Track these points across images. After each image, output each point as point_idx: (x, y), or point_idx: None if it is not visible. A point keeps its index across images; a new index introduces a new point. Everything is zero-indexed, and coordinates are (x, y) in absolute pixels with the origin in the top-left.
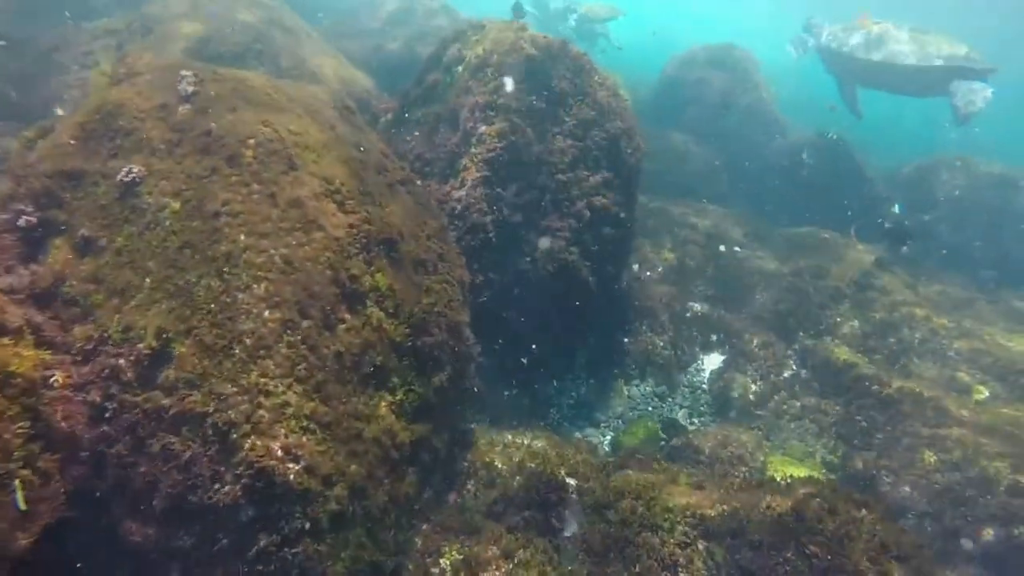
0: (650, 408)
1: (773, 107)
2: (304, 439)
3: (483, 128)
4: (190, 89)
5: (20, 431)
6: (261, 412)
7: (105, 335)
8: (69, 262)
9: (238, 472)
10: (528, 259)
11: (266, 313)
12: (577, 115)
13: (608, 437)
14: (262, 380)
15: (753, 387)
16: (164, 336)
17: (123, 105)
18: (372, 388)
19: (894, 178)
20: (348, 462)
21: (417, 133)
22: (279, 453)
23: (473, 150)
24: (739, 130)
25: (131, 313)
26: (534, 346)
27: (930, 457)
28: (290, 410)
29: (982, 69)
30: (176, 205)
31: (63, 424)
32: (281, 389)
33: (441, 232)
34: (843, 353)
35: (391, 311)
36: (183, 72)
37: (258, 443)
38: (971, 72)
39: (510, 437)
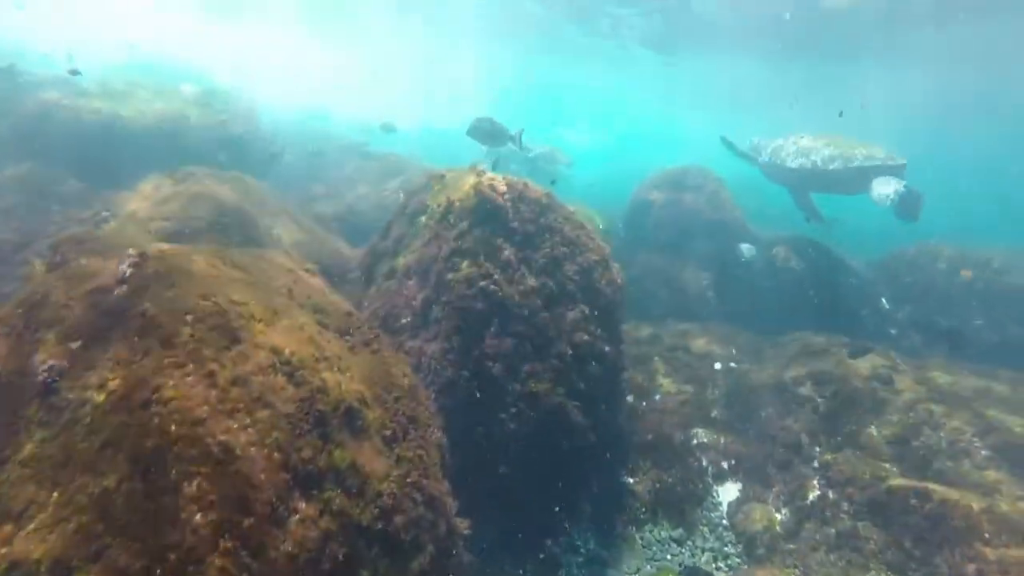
0: (669, 556)
1: (742, 220)
2: None
3: (450, 275)
4: (127, 270)
5: None
6: None
7: None
8: None
9: None
10: (513, 409)
11: (197, 517)
12: (546, 253)
13: None
14: None
15: (778, 516)
16: (64, 568)
17: (49, 294)
18: None
19: (874, 270)
20: None
21: (386, 287)
22: None
23: (443, 298)
24: (714, 246)
25: (25, 542)
26: (531, 504)
27: None
28: None
29: (896, 165)
30: (99, 398)
31: None
32: None
33: (412, 392)
34: (868, 465)
35: (355, 491)
36: (125, 252)
37: None
38: (887, 169)
39: None
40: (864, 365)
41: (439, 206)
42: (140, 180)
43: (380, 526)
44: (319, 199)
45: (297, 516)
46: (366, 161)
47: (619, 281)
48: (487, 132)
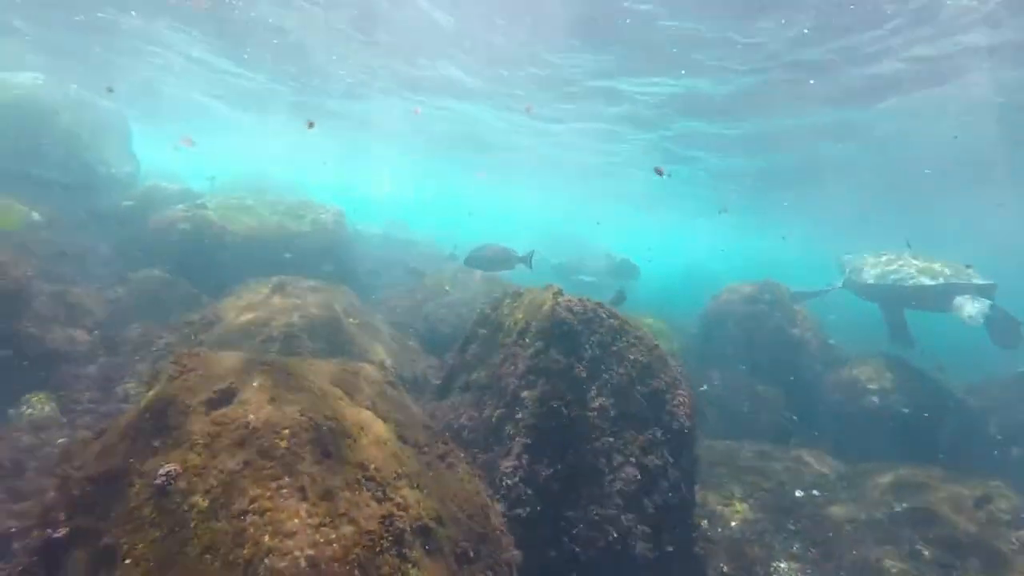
0: None
1: (822, 336)
2: None
3: (525, 393)
4: (234, 383)
5: None
6: None
7: None
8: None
9: None
10: (574, 531)
11: None
12: (617, 373)
13: None
14: None
15: None
16: None
17: (172, 402)
18: None
19: (975, 397)
20: None
21: (461, 399)
22: None
23: (517, 415)
24: (794, 362)
25: None
26: None
27: None
28: None
29: (985, 285)
30: (204, 503)
31: None
32: None
33: (484, 510)
34: None
35: None
36: (227, 363)
37: None
38: (973, 288)
39: None
40: (973, 500)
41: (515, 323)
42: (244, 286)
43: None
44: (401, 309)
45: None
46: (453, 273)
47: (691, 404)
48: (490, 259)
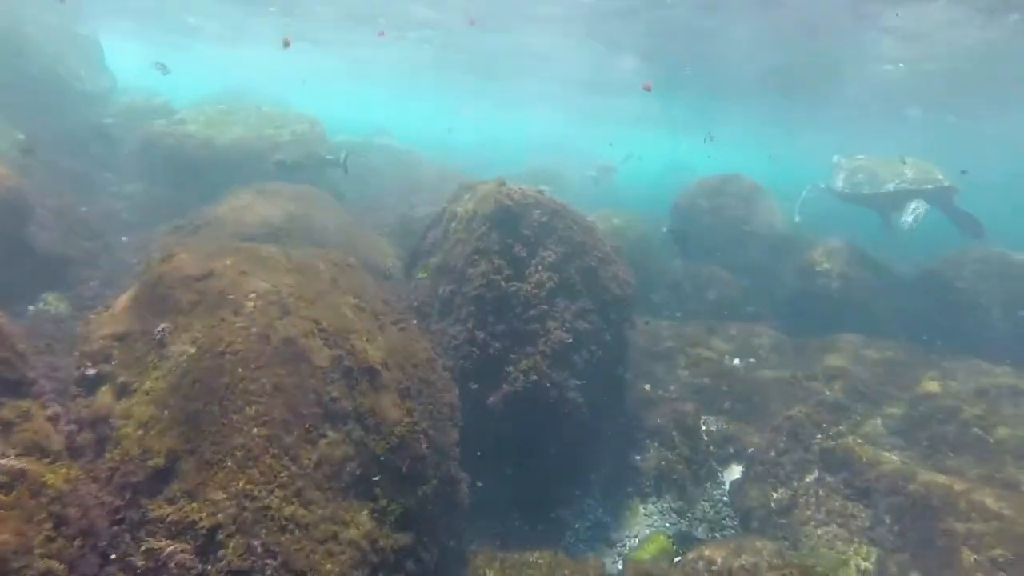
0: (668, 524)
1: (783, 225)
2: (282, 538)
3: (471, 270)
4: (212, 264)
5: (44, 532)
6: (245, 514)
7: (128, 457)
8: (109, 404)
9: (220, 567)
10: (509, 382)
11: (255, 430)
12: (554, 252)
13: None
14: (248, 487)
15: (775, 495)
16: (173, 455)
17: (162, 279)
18: (354, 497)
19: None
20: (324, 561)
21: (420, 282)
22: (259, 550)
23: (464, 289)
24: (758, 252)
25: (151, 440)
26: (544, 475)
27: (969, 556)
28: (271, 512)
29: (942, 188)
30: (192, 350)
31: (84, 521)
32: (264, 494)
33: (429, 362)
34: (866, 452)
35: (372, 428)
36: (205, 249)
37: (240, 542)
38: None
39: (514, 556)
40: (879, 360)
41: (466, 212)
42: (229, 193)
43: (391, 457)
44: (379, 209)
45: (326, 440)
46: (418, 171)
47: (626, 278)
48: (290, 165)
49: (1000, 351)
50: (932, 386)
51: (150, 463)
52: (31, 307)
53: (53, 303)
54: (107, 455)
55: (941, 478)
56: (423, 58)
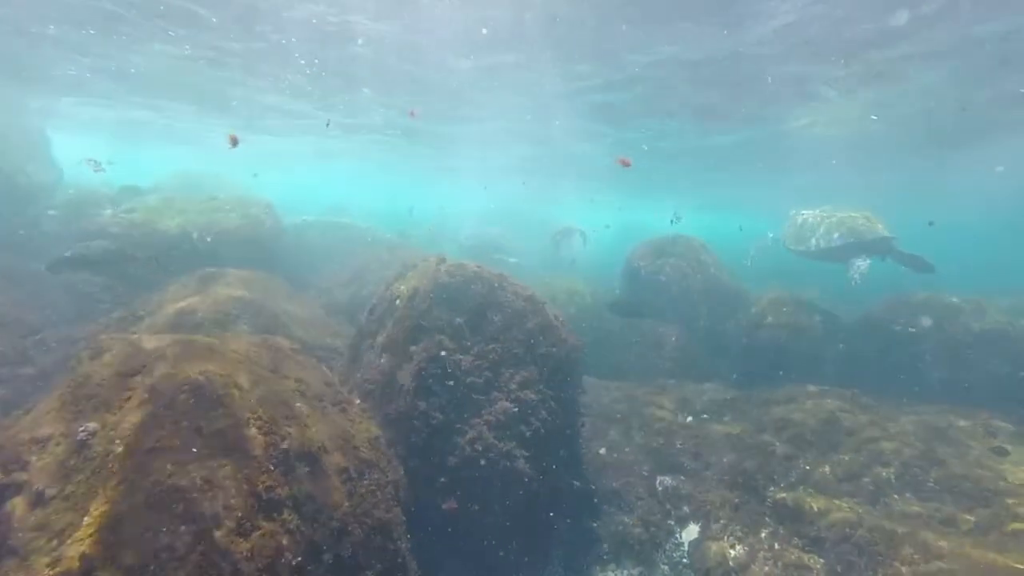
0: None
1: (729, 281)
2: None
3: (412, 348)
4: (145, 358)
5: None
6: None
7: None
8: (21, 517)
9: None
10: (456, 455)
11: (182, 528)
12: (494, 322)
13: None
14: None
15: (732, 552)
16: (88, 566)
17: (90, 377)
18: None
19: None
20: None
21: (367, 360)
22: None
23: (406, 366)
24: (701, 308)
25: (65, 549)
26: (499, 547)
27: None
28: None
29: (877, 239)
30: (120, 449)
31: None
32: None
33: (371, 442)
34: (817, 501)
35: (309, 516)
36: (141, 347)
37: None
38: (866, 244)
39: None
40: (823, 407)
41: (409, 290)
42: (174, 280)
43: (332, 544)
44: (329, 289)
45: (260, 532)
46: (374, 250)
47: (570, 342)
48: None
49: (936, 392)
50: (873, 431)
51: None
52: None
53: None
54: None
55: (885, 523)
56: (380, 148)
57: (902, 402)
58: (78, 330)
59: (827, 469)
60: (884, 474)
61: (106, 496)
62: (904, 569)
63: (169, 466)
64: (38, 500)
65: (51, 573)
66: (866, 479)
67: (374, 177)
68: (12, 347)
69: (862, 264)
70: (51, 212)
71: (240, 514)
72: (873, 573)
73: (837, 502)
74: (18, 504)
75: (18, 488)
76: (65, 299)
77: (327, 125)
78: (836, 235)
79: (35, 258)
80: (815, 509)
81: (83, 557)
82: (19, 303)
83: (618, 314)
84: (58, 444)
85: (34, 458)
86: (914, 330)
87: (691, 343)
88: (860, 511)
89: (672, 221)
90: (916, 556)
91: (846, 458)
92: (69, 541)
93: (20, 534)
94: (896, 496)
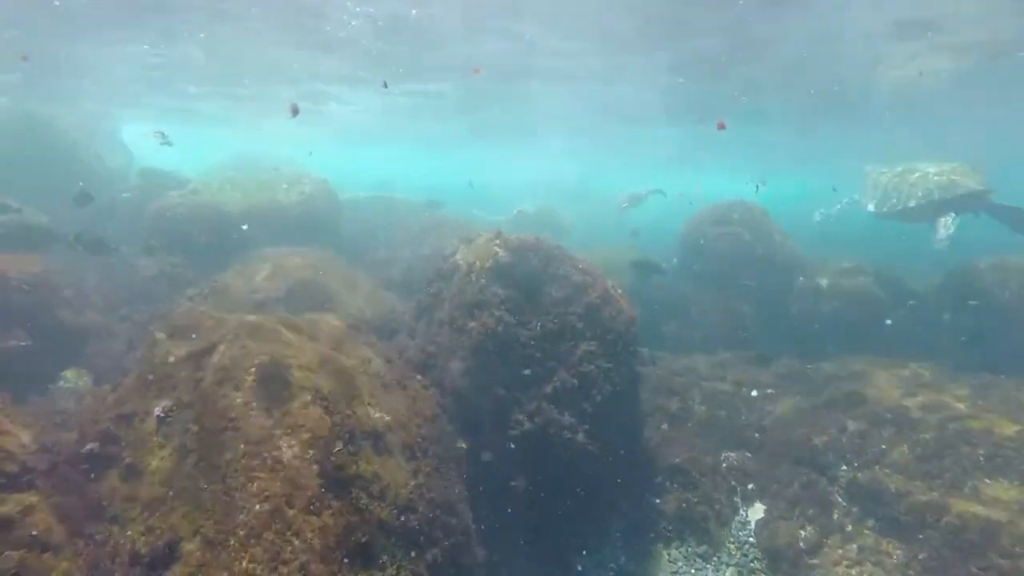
0: (693, 570)
1: (791, 249)
2: None
3: (471, 323)
4: (213, 338)
5: None
6: None
7: (132, 540)
8: (115, 488)
9: None
10: (515, 429)
11: (257, 506)
12: (553, 296)
13: None
14: (250, 566)
15: (802, 533)
16: (176, 538)
17: (164, 357)
18: (359, 566)
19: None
20: None
21: (428, 333)
22: None
23: (464, 341)
24: (763, 277)
25: (155, 521)
26: (560, 521)
27: None
28: None
29: (975, 191)
30: (196, 427)
31: None
32: (266, 573)
33: (433, 419)
34: (894, 482)
35: (376, 494)
36: (207, 323)
37: None
38: (960, 198)
39: None
40: (900, 384)
41: (466, 265)
42: (237, 260)
43: (398, 522)
44: (385, 262)
45: (329, 511)
46: (429, 225)
47: (629, 315)
48: None
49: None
50: (958, 407)
51: (155, 544)
52: (50, 385)
53: (72, 379)
54: (111, 539)
55: (977, 508)
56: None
57: (986, 378)
58: (154, 308)
59: (905, 448)
60: (972, 455)
61: (186, 472)
62: (1003, 563)
63: (242, 445)
64: (129, 473)
65: (144, 540)
66: (950, 460)
67: (432, 156)
68: (99, 324)
69: (949, 222)
70: (125, 195)
71: (310, 493)
72: (965, 564)
73: (918, 483)
74: (112, 476)
75: (111, 460)
76: (141, 280)
77: (384, 86)
78: (921, 192)
79: (117, 241)
80: (892, 490)
81: (172, 531)
82: (102, 282)
83: (637, 273)
84: (142, 421)
85: (122, 432)
86: (999, 300)
87: (753, 314)
88: (945, 494)
89: (757, 188)
90: (1018, 549)
91: (927, 436)
92: (157, 514)
93: (117, 503)
94: (988, 480)
